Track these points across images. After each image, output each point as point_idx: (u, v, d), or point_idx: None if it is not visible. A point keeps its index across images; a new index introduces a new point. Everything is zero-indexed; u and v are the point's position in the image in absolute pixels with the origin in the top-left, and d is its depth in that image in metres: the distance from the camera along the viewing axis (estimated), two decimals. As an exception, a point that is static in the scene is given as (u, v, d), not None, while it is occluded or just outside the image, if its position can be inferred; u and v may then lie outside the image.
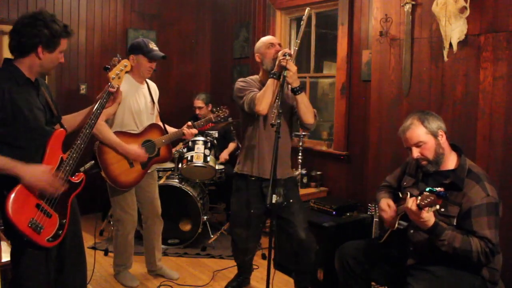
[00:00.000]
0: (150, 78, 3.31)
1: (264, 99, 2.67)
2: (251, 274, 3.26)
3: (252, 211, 2.84)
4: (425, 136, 2.21)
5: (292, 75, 2.61)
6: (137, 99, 3.08)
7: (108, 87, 2.22)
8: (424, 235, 2.17)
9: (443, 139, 2.24)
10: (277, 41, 2.91)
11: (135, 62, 3.02)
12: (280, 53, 2.68)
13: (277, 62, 2.68)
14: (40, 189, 1.95)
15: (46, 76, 4.59)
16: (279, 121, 2.41)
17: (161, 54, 3.11)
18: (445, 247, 2.04)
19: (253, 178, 2.85)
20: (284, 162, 2.86)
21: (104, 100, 2.20)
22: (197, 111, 4.65)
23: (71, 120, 2.27)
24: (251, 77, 2.97)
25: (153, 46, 3.09)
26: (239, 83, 2.89)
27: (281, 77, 2.60)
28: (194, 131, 3.17)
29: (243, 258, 3.08)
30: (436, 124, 2.24)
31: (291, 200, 2.83)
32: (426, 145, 2.21)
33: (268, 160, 2.77)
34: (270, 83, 2.69)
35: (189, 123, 3.18)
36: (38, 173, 1.94)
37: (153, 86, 3.28)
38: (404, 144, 2.30)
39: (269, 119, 2.72)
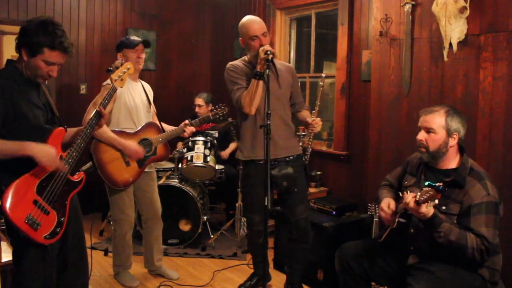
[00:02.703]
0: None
1: (250, 102, 2.67)
2: (268, 267, 3.08)
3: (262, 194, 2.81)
4: (439, 128, 2.20)
5: (318, 128, 2.73)
6: (132, 95, 3.10)
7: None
8: (426, 234, 2.17)
9: (453, 142, 2.22)
10: (260, 31, 2.72)
11: (123, 58, 3.06)
12: (261, 51, 2.58)
13: (259, 61, 2.59)
14: (51, 166, 1.99)
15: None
16: (268, 122, 2.35)
17: (140, 39, 3.13)
18: (441, 239, 2.05)
19: (261, 162, 2.80)
20: (287, 140, 2.87)
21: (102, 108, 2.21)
22: (197, 109, 4.64)
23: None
24: (241, 60, 2.90)
25: (134, 37, 3.14)
26: (228, 71, 2.84)
27: (265, 75, 2.51)
28: (192, 128, 3.16)
29: (257, 241, 2.98)
30: (457, 126, 2.22)
31: (295, 189, 2.85)
32: (435, 136, 2.21)
33: (271, 141, 2.73)
34: (254, 85, 2.64)
35: (186, 121, 3.17)
36: (47, 150, 1.97)
37: (147, 86, 3.31)
38: (419, 122, 2.30)
39: (259, 110, 2.74)
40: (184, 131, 3.13)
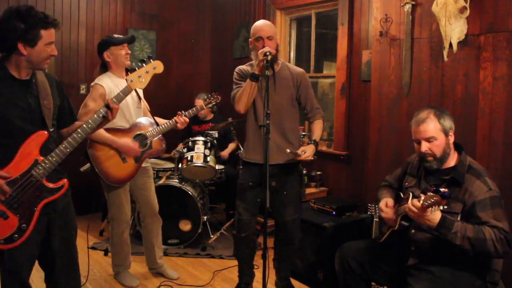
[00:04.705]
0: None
1: (240, 101, 2.75)
2: (253, 278, 3.11)
3: (250, 183, 2.86)
4: (438, 132, 2.20)
5: (311, 155, 2.78)
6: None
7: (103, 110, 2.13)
8: (426, 234, 2.17)
9: (451, 140, 2.23)
10: (266, 34, 2.73)
11: (111, 56, 3.07)
12: (259, 53, 2.59)
13: (257, 62, 2.62)
14: None
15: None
16: (268, 122, 2.38)
17: (126, 36, 3.16)
18: (459, 239, 1.99)
19: (253, 162, 2.89)
20: (282, 148, 2.82)
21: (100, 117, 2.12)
22: (197, 110, 4.64)
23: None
24: (248, 64, 2.95)
25: (118, 35, 3.19)
26: (235, 72, 2.93)
27: (265, 76, 2.55)
28: (185, 119, 3.16)
29: (242, 235, 2.91)
30: (449, 123, 2.22)
31: (284, 192, 2.88)
32: (437, 142, 2.20)
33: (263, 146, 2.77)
34: (247, 85, 2.71)
35: (179, 112, 3.17)
36: None
37: None
38: (413, 135, 2.27)
39: (258, 112, 2.83)
40: (177, 122, 3.12)
